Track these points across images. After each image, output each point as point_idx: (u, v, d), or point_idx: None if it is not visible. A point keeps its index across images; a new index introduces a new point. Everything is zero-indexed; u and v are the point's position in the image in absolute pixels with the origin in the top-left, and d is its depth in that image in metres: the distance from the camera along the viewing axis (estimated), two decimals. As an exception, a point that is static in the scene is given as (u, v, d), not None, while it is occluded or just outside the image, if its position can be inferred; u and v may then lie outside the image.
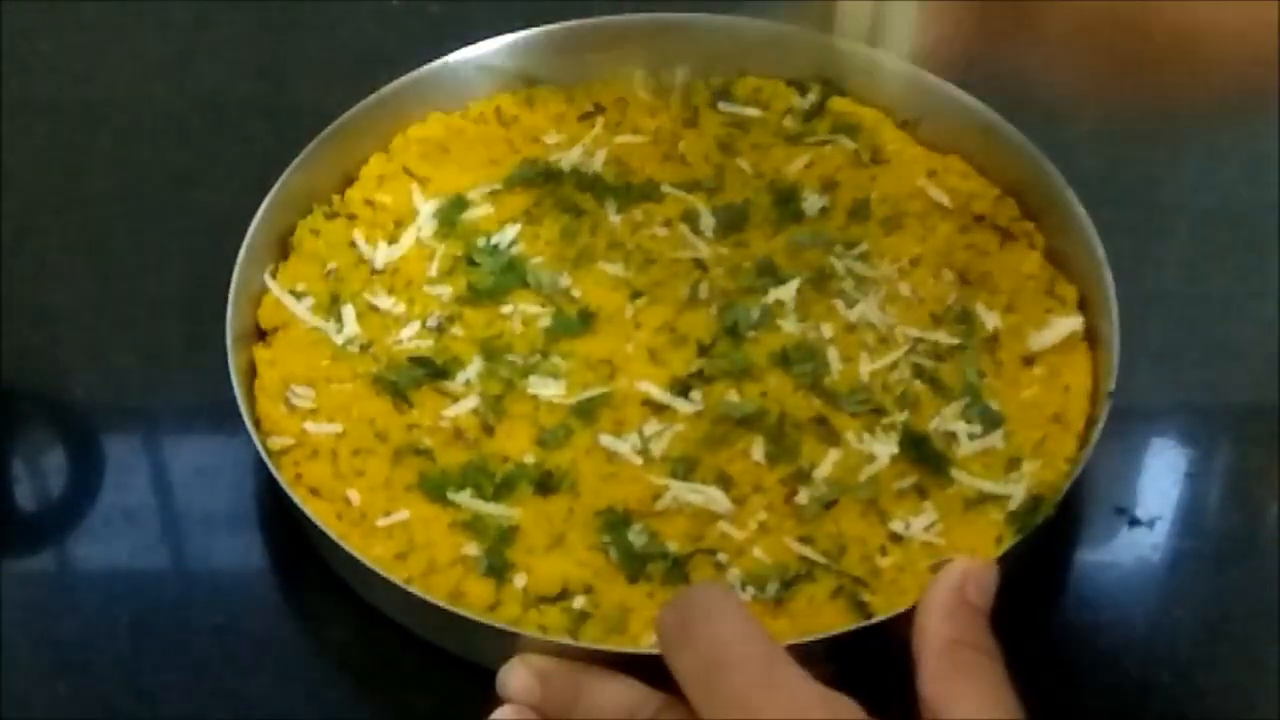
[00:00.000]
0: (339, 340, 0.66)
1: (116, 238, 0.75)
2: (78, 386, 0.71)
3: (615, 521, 0.61)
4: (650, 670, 0.53)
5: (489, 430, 0.64)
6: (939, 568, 0.55)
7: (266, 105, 0.81)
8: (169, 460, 0.69)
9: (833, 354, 0.65)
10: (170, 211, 0.76)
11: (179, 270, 0.73)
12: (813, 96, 0.75)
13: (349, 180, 0.72)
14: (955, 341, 0.66)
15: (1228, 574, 0.63)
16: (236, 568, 0.65)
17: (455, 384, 0.65)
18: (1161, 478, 0.66)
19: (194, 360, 0.67)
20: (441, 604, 0.57)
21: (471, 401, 0.64)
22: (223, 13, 0.86)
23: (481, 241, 0.70)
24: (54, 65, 0.84)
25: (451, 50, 0.74)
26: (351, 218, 0.71)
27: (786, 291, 0.67)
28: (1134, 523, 0.64)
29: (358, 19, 0.85)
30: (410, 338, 0.66)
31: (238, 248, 0.66)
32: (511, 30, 0.75)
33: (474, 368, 0.65)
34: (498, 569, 0.60)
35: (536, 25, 0.75)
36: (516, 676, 0.56)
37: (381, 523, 0.61)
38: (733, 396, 0.64)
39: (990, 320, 0.66)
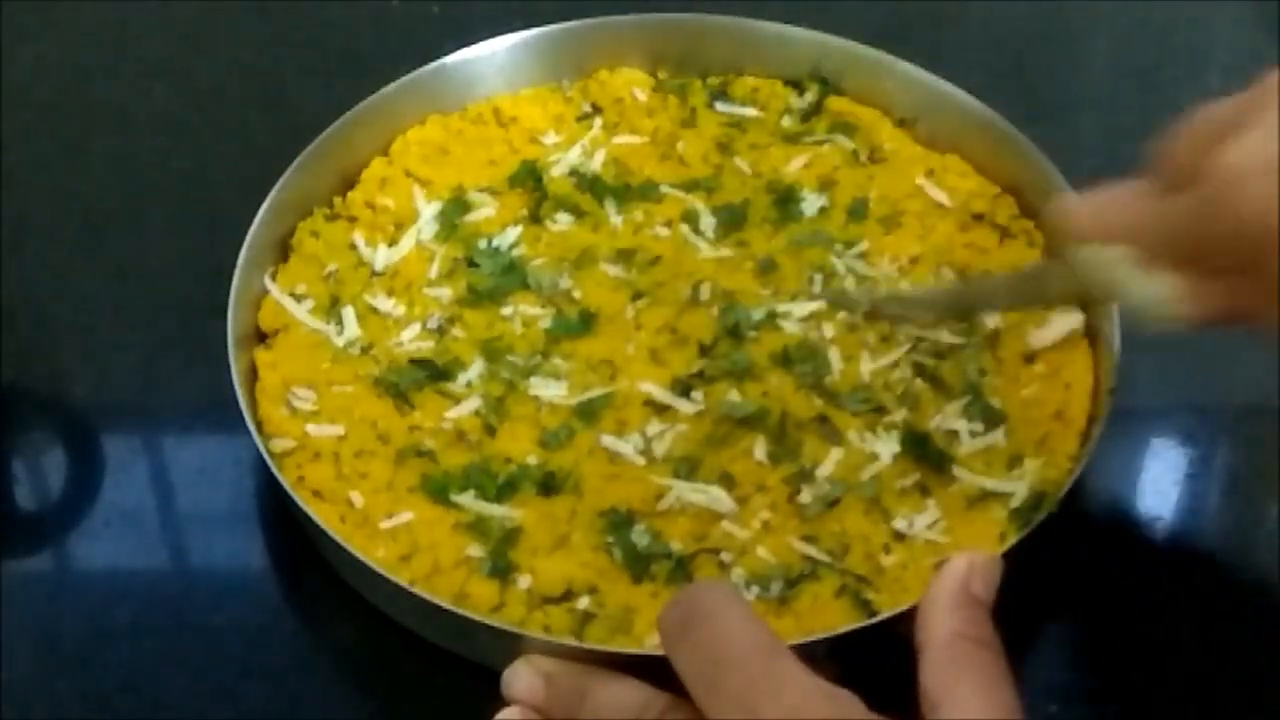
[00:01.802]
0: (340, 342, 0.64)
1: (116, 238, 0.73)
2: (78, 386, 0.69)
3: (618, 522, 0.59)
4: (655, 671, 0.51)
5: (491, 431, 0.62)
6: (943, 565, 0.53)
7: (266, 106, 0.79)
8: (169, 460, 0.67)
9: (834, 353, 0.63)
10: (170, 211, 0.74)
11: (180, 271, 0.71)
12: (810, 96, 0.73)
13: (348, 183, 0.70)
14: (956, 340, 0.64)
15: (1228, 574, 0.61)
16: (237, 568, 0.63)
17: (457, 385, 0.63)
18: (1161, 478, 0.64)
19: (195, 361, 0.65)
20: (446, 606, 0.55)
21: (473, 403, 0.62)
22: (223, 13, 0.84)
23: (482, 243, 0.68)
24: (54, 65, 0.82)
25: (452, 51, 0.72)
26: (352, 220, 0.69)
27: (795, 304, 0.65)
28: (1134, 522, 0.62)
29: (358, 19, 0.83)
30: (411, 339, 0.64)
31: (238, 249, 0.64)
32: (511, 30, 0.73)
33: (475, 369, 0.63)
34: (501, 570, 0.58)
35: (536, 26, 0.73)
36: (521, 677, 0.54)
37: (385, 525, 0.59)
38: (734, 396, 0.62)
39: (990, 318, 0.64)
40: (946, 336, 0.64)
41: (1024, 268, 0.67)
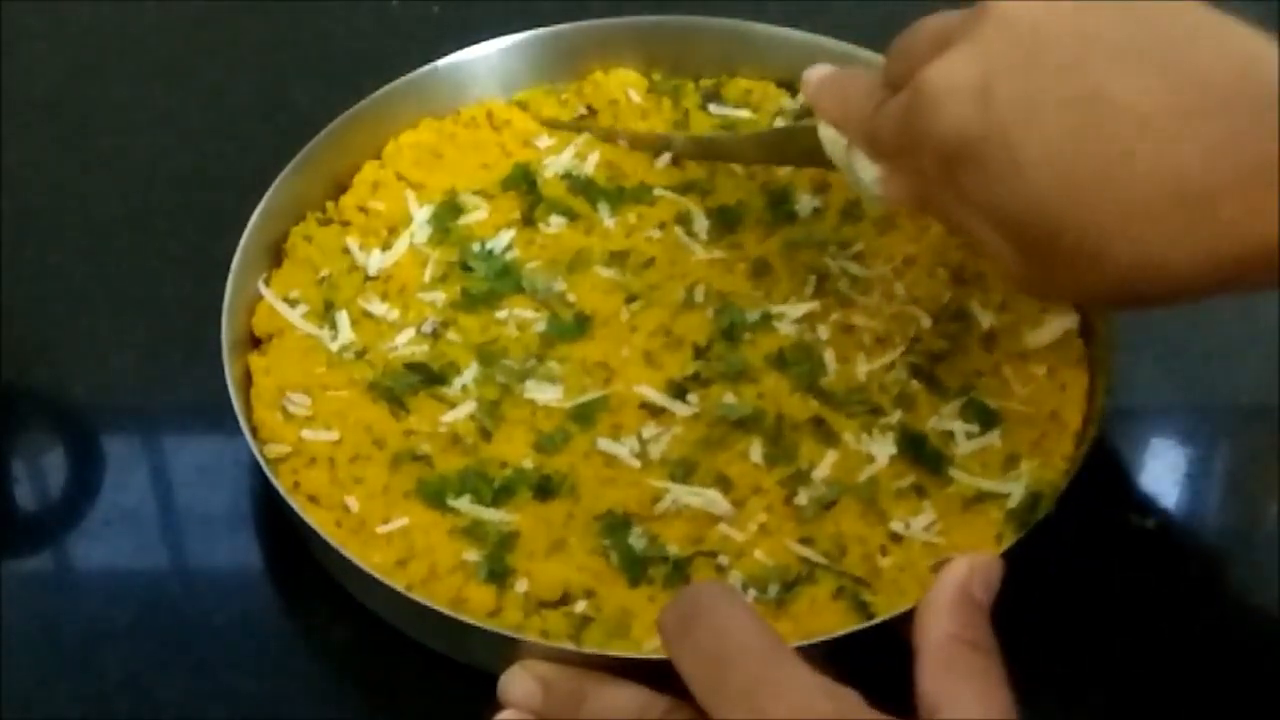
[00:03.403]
0: (334, 347, 0.62)
1: (116, 238, 0.71)
2: (78, 386, 0.66)
3: (615, 525, 0.56)
4: (654, 675, 0.49)
5: (486, 435, 0.59)
6: (940, 567, 0.51)
7: (267, 106, 0.76)
8: (169, 460, 0.64)
9: (829, 355, 0.61)
10: (171, 211, 0.71)
11: (179, 271, 0.69)
12: (802, 97, 0.69)
13: (341, 187, 0.67)
14: (951, 341, 0.61)
15: (1228, 574, 0.59)
16: (236, 568, 0.61)
17: (452, 389, 0.60)
18: (1161, 478, 0.61)
19: (193, 362, 0.63)
20: (444, 611, 0.53)
21: (468, 407, 0.59)
22: (223, 13, 0.81)
23: (476, 247, 0.65)
24: (54, 65, 0.79)
25: (453, 51, 0.69)
26: (345, 224, 0.66)
27: (790, 306, 0.62)
28: (1134, 523, 0.59)
29: (358, 20, 0.80)
30: (405, 344, 0.62)
31: (235, 250, 0.62)
32: (512, 32, 0.70)
33: (470, 373, 0.60)
34: (499, 574, 0.55)
35: (537, 27, 0.70)
36: (518, 682, 0.51)
37: (381, 530, 0.56)
38: (730, 398, 0.59)
39: (985, 319, 0.62)
40: (941, 337, 0.61)
41: (779, 127, 0.69)
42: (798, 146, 0.61)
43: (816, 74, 0.58)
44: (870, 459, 0.58)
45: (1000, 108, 0.48)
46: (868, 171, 0.55)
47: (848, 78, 0.57)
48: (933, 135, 0.50)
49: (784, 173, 0.67)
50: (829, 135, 0.57)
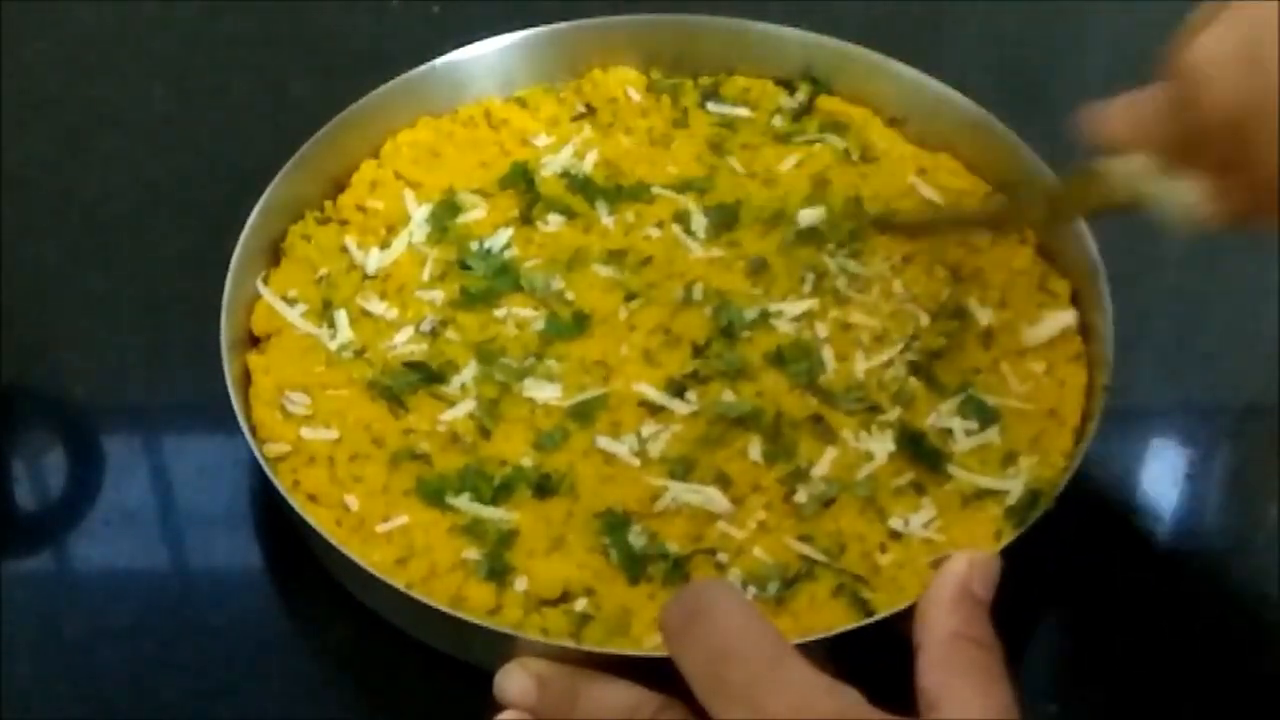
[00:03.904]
0: (333, 346, 0.61)
1: (117, 238, 0.70)
2: (78, 386, 0.65)
3: (615, 523, 0.56)
4: (653, 673, 0.48)
5: (486, 434, 0.58)
6: (939, 564, 0.50)
7: (267, 106, 0.75)
8: (169, 460, 0.64)
9: (827, 352, 0.60)
10: (172, 211, 0.71)
11: (180, 270, 0.68)
12: (801, 95, 0.70)
13: (339, 186, 0.66)
14: (949, 338, 0.61)
15: (1228, 574, 0.58)
16: (236, 569, 0.60)
17: (450, 388, 0.60)
18: (1161, 478, 0.61)
19: (193, 361, 0.62)
20: (444, 609, 0.52)
21: (468, 405, 0.59)
22: (223, 13, 0.80)
23: (474, 245, 0.64)
24: (54, 65, 0.78)
25: (451, 50, 0.69)
26: (343, 223, 0.65)
27: (788, 304, 0.62)
28: (1134, 522, 0.59)
29: (358, 20, 0.80)
30: (404, 342, 0.61)
31: (234, 249, 0.61)
32: (511, 31, 0.69)
33: (469, 371, 0.60)
34: (498, 573, 0.55)
35: (536, 26, 0.70)
36: (514, 680, 0.51)
37: (381, 528, 0.56)
38: (728, 396, 0.59)
39: (984, 316, 0.61)
40: (939, 334, 0.61)
41: (1065, 179, 0.62)
42: (1085, 194, 0.57)
43: (1097, 112, 0.53)
44: (869, 456, 0.57)
45: (1271, 68, 0.46)
46: (1177, 194, 0.51)
47: (1131, 101, 0.53)
48: (1214, 115, 0.47)
49: (782, 170, 0.67)
50: (1122, 169, 0.53)
